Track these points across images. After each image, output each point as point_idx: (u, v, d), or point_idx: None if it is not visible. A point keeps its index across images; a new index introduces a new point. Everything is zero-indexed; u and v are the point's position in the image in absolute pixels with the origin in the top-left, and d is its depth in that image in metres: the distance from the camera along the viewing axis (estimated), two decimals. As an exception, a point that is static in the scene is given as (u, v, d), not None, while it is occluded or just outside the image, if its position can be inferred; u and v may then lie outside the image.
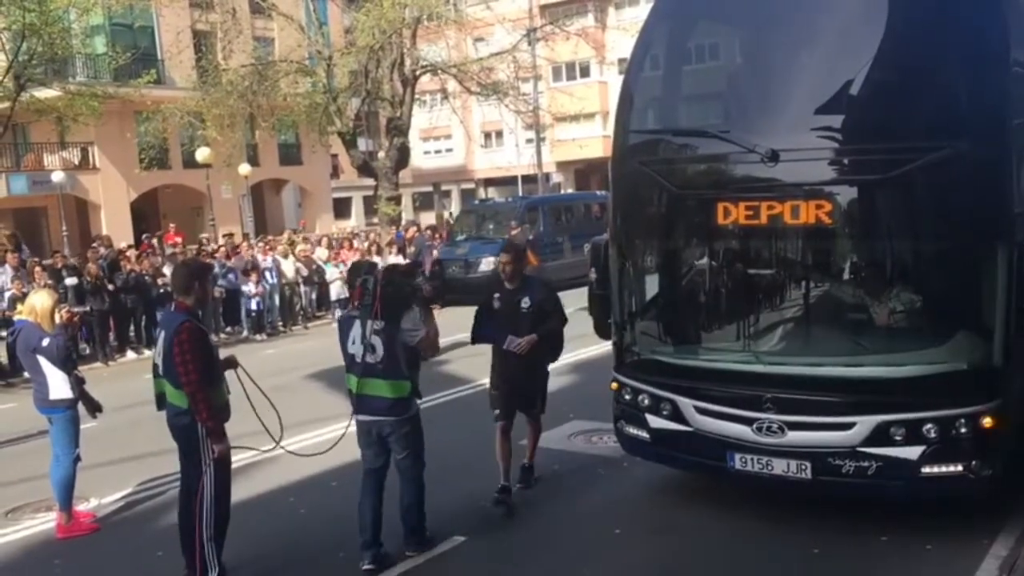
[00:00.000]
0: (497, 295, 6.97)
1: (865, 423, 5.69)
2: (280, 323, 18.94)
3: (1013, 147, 5.64)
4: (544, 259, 19.91)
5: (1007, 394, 5.65)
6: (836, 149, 5.98)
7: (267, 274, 18.61)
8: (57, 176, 26.08)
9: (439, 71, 26.46)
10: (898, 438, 5.63)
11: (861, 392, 5.83)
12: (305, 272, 19.58)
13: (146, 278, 16.37)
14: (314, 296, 20.03)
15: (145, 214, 30.93)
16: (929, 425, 5.58)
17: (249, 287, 18.02)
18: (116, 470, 8.55)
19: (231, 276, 17.97)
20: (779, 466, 5.95)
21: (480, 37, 32.79)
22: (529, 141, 38.72)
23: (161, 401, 5.88)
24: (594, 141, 42.12)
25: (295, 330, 18.97)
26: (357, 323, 5.92)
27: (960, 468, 5.59)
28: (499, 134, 45.29)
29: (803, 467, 5.87)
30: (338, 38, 27.87)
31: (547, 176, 41.85)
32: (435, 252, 20.61)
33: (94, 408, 7.28)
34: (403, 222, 26.18)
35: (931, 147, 5.52)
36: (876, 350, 6.06)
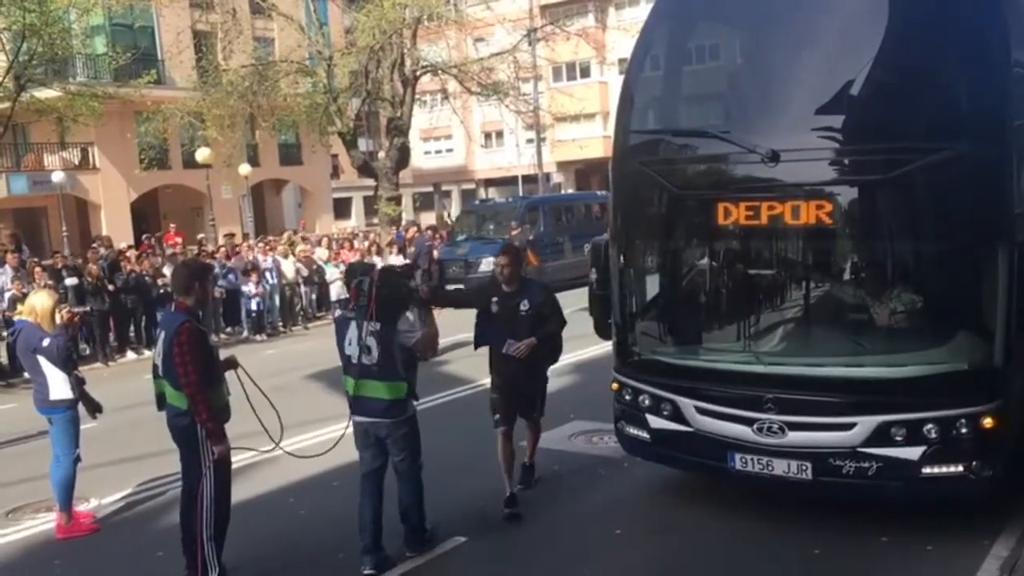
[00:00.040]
0: (495, 299, 6.91)
1: (866, 423, 5.69)
2: (280, 323, 18.94)
3: (1013, 148, 5.64)
4: (544, 259, 19.93)
5: (1007, 394, 5.65)
6: (836, 149, 5.97)
7: (267, 274, 18.62)
8: (57, 176, 26.07)
9: (439, 71, 26.48)
10: (899, 438, 5.63)
11: (862, 392, 5.83)
12: (305, 272, 19.59)
13: (146, 278, 16.36)
14: (314, 296, 20.03)
15: (145, 214, 30.93)
16: (930, 425, 5.58)
17: (249, 287, 18.03)
18: (116, 470, 8.55)
19: (231, 276, 17.97)
20: (779, 466, 5.94)
21: (480, 37, 32.79)
22: (529, 141, 38.73)
23: (161, 402, 5.88)
24: (594, 141, 42.11)
25: (295, 330, 18.98)
26: (353, 324, 5.90)
27: (961, 469, 5.59)
28: (499, 134, 45.29)
29: (803, 467, 5.87)
30: (338, 38, 27.89)
31: (547, 176, 41.86)
32: (435, 252, 20.61)
33: (94, 408, 7.28)
34: (403, 222, 26.19)
35: (931, 148, 5.53)
36: (876, 350, 6.06)
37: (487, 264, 19.06)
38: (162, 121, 24.85)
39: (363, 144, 29.49)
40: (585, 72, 44.84)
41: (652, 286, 6.89)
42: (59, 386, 6.94)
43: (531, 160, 37.77)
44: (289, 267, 19.31)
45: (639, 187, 6.68)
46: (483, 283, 7.84)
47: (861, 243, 6.15)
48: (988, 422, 5.53)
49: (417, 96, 27.05)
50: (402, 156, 26.46)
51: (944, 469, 5.61)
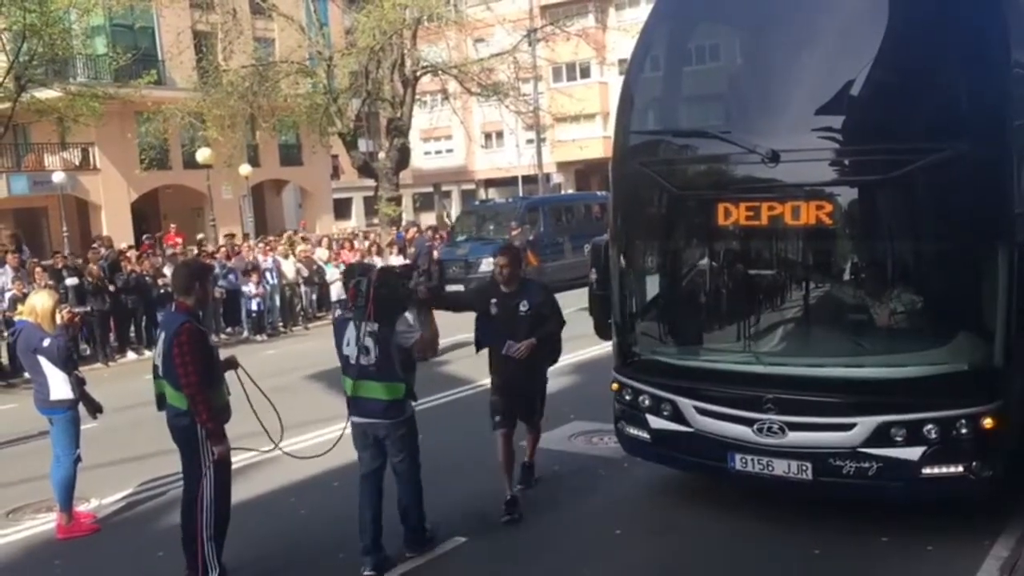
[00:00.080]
0: (494, 300, 6.86)
1: (866, 424, 5.69)
2: (280, 324, 18.95)
3: (1013, 148, 5.64)
4: (544, 260, 19.96)
5: (1008, 395, 5.65)
6: (837, 150, 5.98)
7: (267, 275, 18.62)
8: (58, 176, 26.09)
9: (439, 72, 26.51)
10: (899, 439, 5.63)
11: (862, 393, 5.83)
12: (305, 273, 19.59)
13: (147, 279, 16.37)
14: (314, 297, 20.03)
15: (146, 215, 30.94)
16: (930, 426, 5.58)
17: (249, 288, 18.03)
18: (117, 471, 8.55)
19: (231, 277, 17.97)
20: (780, 467, 5.94)
21: (480, 38, 32.81)
22: (529, 142, 38.75)
23: (161, 402, 5.88)
24: (594, 142, 42.12)
25: (295, 331, 18.98)
26: (352, 325, 5.88)
27: (961, 469, 5.59)
28: (499, 135, 45.30)
29: (804, 468, 5.87)
30: (339, 39, 27.93)
31: (547, 177, 41.86)
32: (435, 253, 20.62)
33: (95, 409, 7.29)
34: (403, 223, 26.21)
35: (931, 148, 5.53)
36: (877, 351, 6.06)
37: (487, 264, 19.06)
38: (162, 121, 24.87)
39: (363, 144, 29.52)
40: (585, 72, 44.84)
41: (652, 286, 6.89)
42: (59, 386, 6.94)
43: (531, 160, 37.78)
44: (289, 267, 19.32)
45: (639, 187, 6.68)
46: (482, 285, 7.78)
47: (861, 243, 6.15)
48: (988, 422, 5.53)
49: (417, 96, 27.08)
50: (402, 156, 26.48)
51: (944, 469, 5.61)
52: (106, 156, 29.23)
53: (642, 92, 6.97)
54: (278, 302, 18.97)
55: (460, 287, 18.96)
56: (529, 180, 40.57)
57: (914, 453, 5.61)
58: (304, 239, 22.41)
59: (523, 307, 6.76)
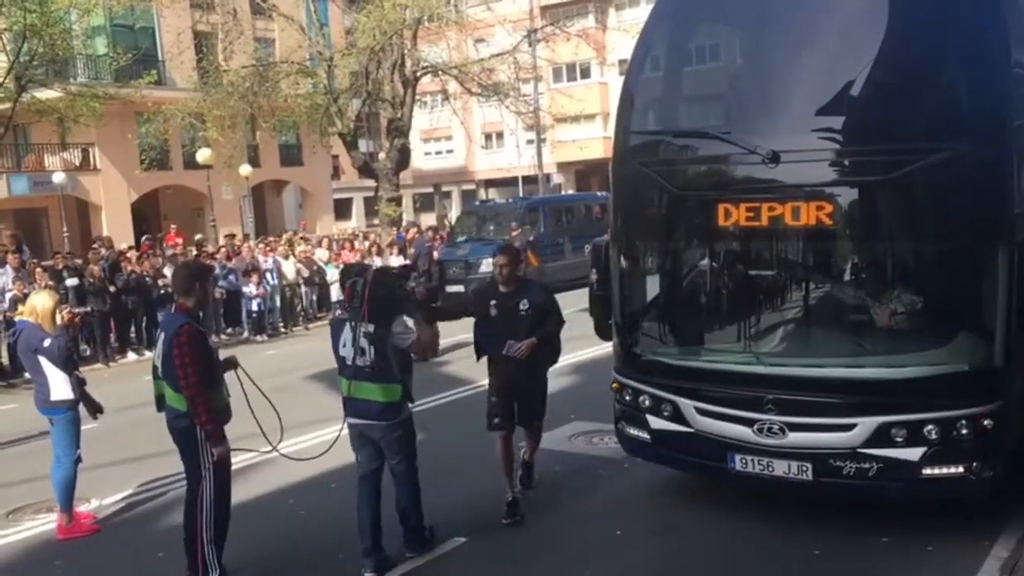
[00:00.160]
0: (493, 302, 6.79)
1: (866, 424, 5.69)
2: (281, 324, 18.95)
3: (1014, 148, 5.64)
4: (545, 260, 19.94)
5: (1008, 395, 5.65)
6: (837, 150, 5.98)
7: (268, 275, 18.62)
8: (58, 177, 26.09)
9: (440, 72, 26.50)
10: (899, 439, 5.63)
11: (862, 393, 5.82)
12: (306, 273, 19.59)
13: (147, 279, 16.37)
14: (315, 297, 20.04)
15: (146, 215, 30.95)
16: (930, 426, 5.58)
17: (250, 288, 18.03)
18: (117, 471, 8.55)
19: (232, 277, 17.98)
20: (780, 467, 5.94)
21: (481, 38, 32.82)
22: (530, 142, 38.74)
23: (161, 402, 5.87)
24: (595, 142, 42.12)
25: (296, 331, 18.98)
26: (348, 326, 5.86)
27: (961, 469, 5.59)
28: (500, 135, 45.31)
29: (804, 468, 5.87)
30: (339, 39, 27.93)
31: (548, 177, 41.85)
32: (435, 253, 20.62)
33: (95, 409, 7.29)
34: (404, 223, 26.20)
35: (932, 148, 5.52)
36: (877, 351, 6.06)
37: (487, 265, 19.05)
38: (163, 122, 24.87)
39: (363, 145, 29.52)
40: (585, 73, 44.85)
41: (652, 287, 6.88)
42: (60, 387, 6.94)
43: (531, 161, 37.77)
44: (290, 268, 19.32)
45: (639, 188, 6.68)
46: (479, 287, 7.71)
47: (861, 244, 6.15)
48: (988, 423, 5.53)
49: (417, 97, 27.08)
50: (402, 157, 26.48)
51: (944, 470, 5.61)
52: (106, 156, 29.24)
53: (642, 92, 6.97)
54: (278, 303, 18.97)
55: (460, 288, 19.01)
56: (529, 180, 40.57)
57: (914, 454, 5.61)
58: (304, 239, 22.42)
59: (523, 306, 6.72)
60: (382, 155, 27.09)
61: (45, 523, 7.31)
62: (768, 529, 6.22)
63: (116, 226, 28.04)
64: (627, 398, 6.74)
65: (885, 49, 5.85)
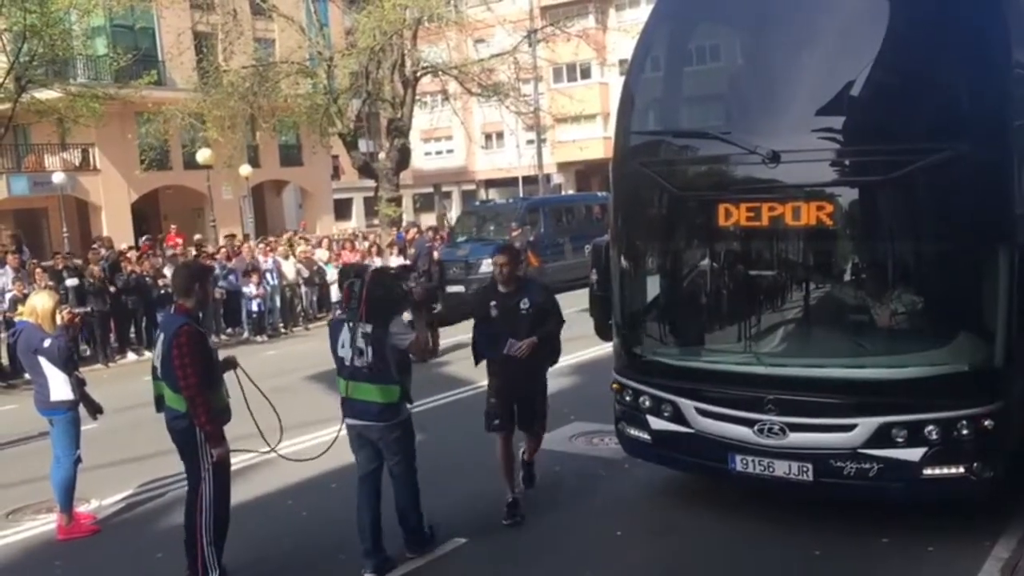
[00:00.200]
0: (493, 303, 6.73)
1: (866, 425, 5.69)
2: (281, 324, 18.94)
3: (1014, 148, 5.64)
4: (545, 260, 19.91)
5: (1008, 396, 5.64)
6: (837, 150, 5.97)
7: (268, 275, 18.62)
8: (58, 177, 26.10)
9: (440, 72, 26.47)
10: (899, 440, 5.63)
11: (862, 394, 5.82)
12: (306, 273, 19.59)
13: (147, 279, 16.37)
14: (315, 297, 20.03)
15: (146, 215, 30.96)
16: (931, 427, 5.57)
17: (250, 288, 18.03)
18: (117, 472, 8.55)
19: (232, 277, 17.97)
20: (780, 468, 5.94)
21: (481, 38, 32.79)
22: (530, 142, 38.72)
23: (160, 403, 5.86)
24: (595, 142, 42.11)
25: (296, 331, 18.98)
26: (346, 326, 5.85)
27: (962, 470, 5.59)
28: (500, 135, 45.27)
29: (804, 469, 5.87)
30: (339, 39, 27.92)
31: (548, 177, 41.84)
32: (436, 254, 20.60)
33: (95, 410, 7.29)
34: (404, 223, 26.18)
35: (932, 148, 5.52)
36: (877, 351, 6.05)
37: (487, 265, 19.04)
38: (163, 122, 24.85)
39: (363, 145, 29.50)
40: (585, 73, 44.85)
41: (653, 287, 6.88)
42: (60, 387, 6.94)
43: (531, 161, 37.76)
44: (290, 268, 19.32)
45: (640, 188, 6.67)
46: (479, 290, 7.66)
47: (862, 244, 6.15)
48: (989, 423, 5.52)
49: (417, 97, 27.05)
50: (402, 157, 26.47)
51: (945, 470, 5.61)
52: (106, 157, 29.24)
53: (642, 93, 6.97)
54: (278, 303, 18.96)
55: (460, 288, 19.02)
56: (529, 181, 40.55)
57: (915, 454, 5.61)
58: (304, 240, 22.41)
59: (524, 305, 6.66)
60: (382, 155, 27.07)
61: (45, 523, 7.30)
62: (769, 529, 6.21)
63: (116, 226, 28.04)
64: (627, 399, 6.74)
65: (885, 49, 5.85)
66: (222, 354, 6.22)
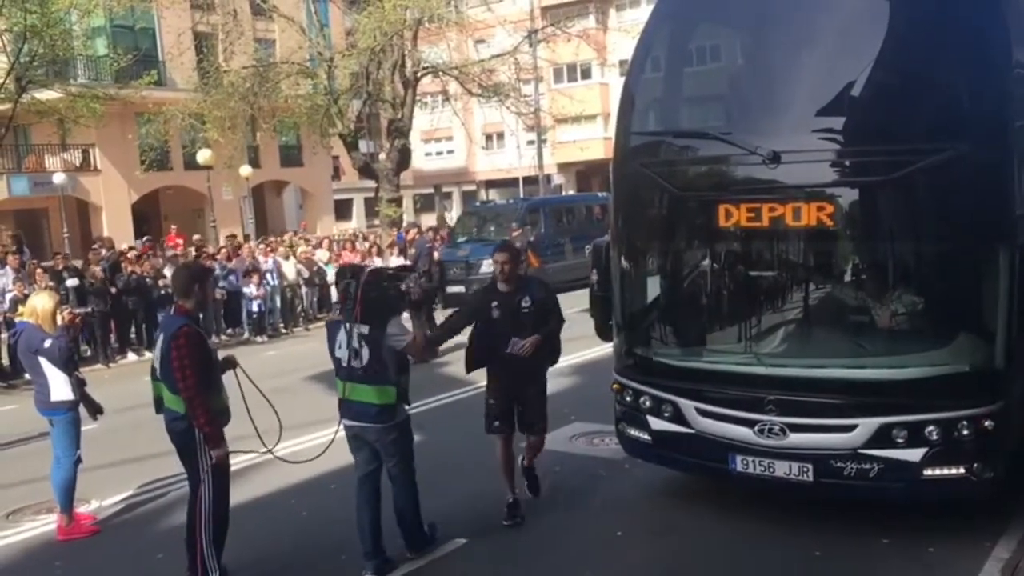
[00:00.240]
0: (495, 303, 6.65)
1: (867, 425, 5.69)
2: (281, 325, 18.94)
3: (1015, 149, 5.63)
4: (545, 261, 19.93)
5: (1009, 396, 5.64)
6: (837, 151, 5.97)
7: (268, 276, 18.62)
8: (58, 178, 26.11)
9: (440, 73, 26.49)
10: (900, 440, 5.62)
11: (863, 394, 5.82)
12: (306, 274, 19.59)
13: (147, 280, 16.37)
14: (315, 298, 20.02)
15: (146, 216, 30.97)
16: (931, 427, 5.57)
17: (250, 289, 18.02)
18: (117, 472, 8.55)
19: (232, 278, 17.97)
20: (781, 468, 5.94)
21: (481, 39, 32.83)
22: (530, 143, 38.72)
23: (159, 404, 5.86)
24: (595, 143, 42.12)
25: (296, 332, 18.97)
26: (343, 327, 5.83)
27: (962, 470, 5.59)
28: (500, 136, 45.30)
29: (805, 469, 5.87)
30: (339, 40, 27.94)
31: (548, 178, 41.86)
32: (436, 254, 20.61)
33: (95, 410, 7.29)
34: (404, 224, 26.19)
35: (932, 149, 5.52)
36: (878, 352, 6.05)
37: (487, 266, 19.03)
38: (163, 123, 24.87)
39: (364, 146, 29.50)
40: (586, 73, 44.85)
41: (653, 288, 6.87)
42: (60, 387, 6.94)
43: (532, 161, 37.77)
44: (290, 268, 19.32)
45: (640, 189, 6.67)
46: (478, 292, 7.60)
47: (862, 244, 6.15)
48: (989, 424, 5.52)
49: (418, 98, 27.07)
50: (403, 158, 26.48)
51: (945, 471, 5.60)
52: (107, 157, 29.26)
53: (643, 93, 6.96)
54: (279, 303, 18.96)
55: (461, 288, 19.02)
56: (530, 181, 40.57)
57: (915, 454, 5.60)
58: (305, 240, 22.40)
59: (525, 303, 6.60)
60: (382, 156, 27.08)
61: (45, 524, 7.30)
62: (769, 530, 6.21)
63: (116, 227, 28.06)
64: (628, 399, 6.74)
65: (885, 49, 5.85)
66: (222, 354, 6.21)
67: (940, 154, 5.49)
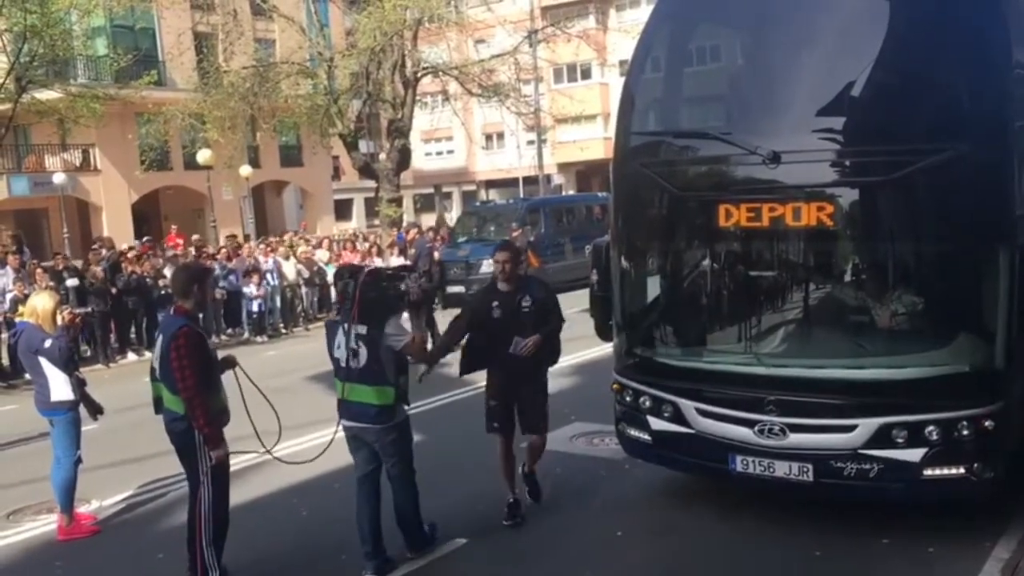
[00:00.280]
0: (495, 303, 6.63)
1: (867, 425, 5.69)
2: (281, 325, 18.94)
3: (1015, 149, 5.63)
4: (545, 261, 19.94)
5: (1009, 396, 5.64)
6: (837, 151, 5.97)
7: (268, 276, 18.62)
8: (58, 178, 26.11)
9: (440, 73, 26.49)
10: (900, 440, 5.62)
11: (863, 394, 5.82)
12: (306, 274, 19.59)
13: (147, 280, 16.37)
14: (315, 298, 20.02)
15: (146, 216, 30.97)
16: (931, 427, 5.57)
17: (250, 289, 18.03)
18: (117, 472, 8.55)
19: (232, 278, 17.97)
20: (781, 468, 5.94)
21: (481, 39, 32.83)
22: (530, 143, 38.72)
23: (159, 404, 5.85)
24: (595, 143, 42.11)
25: (296, 332, 18.97)
26: (341, 328, 5.82)
27: (962, 470, 5.59)
28: (500, 136, 45.30)
29: (805, 469, 5.87)
30: (339, 40, 27.95)
31: (548, 178, 41.86)
32: (436, 254, 20.62)
33: (95, 410, 7.29)
34: (404, 224, 26.20)
35: (932, 149, 5.52)
36: (878, 352, 6.05)
37: (488, 266, 19.03)
38: (163, 123, 24.87)
39: (364, 146, 29.51)
40: (586, 74, 44.84)
41: (653, 288, 6.87)
42: (60, 387, 6.94)
43: (532, 161, 37.77)
44: (290, 268, 19.32)
45: (640, 189, 6.67)
46: (478, 293, 7.58)
47: (862, 245, 6.15)
48: (990, 424, 5.52)
49: (418, 98, 27.08)
50: (403, 158, 26.48)
51: (945, 471, 5.60)
52: (107, 157, 29.26)
53: (643, 93, 6.96)
54: (279, 303, 18.96)
55: (461, 288, 19.02)
56: (530, 181, 40.56)
57: (915, 455, 5.60)
58: (305, 240, 22.40)
59: (526, 302, 6.58)
60: (382, 156, 27.09)
61: (45, 524, 7.30)
62: (769, 530, 6.21)
63: (116, 227, 28.05)
64: (628, 399, 6.74)
65: (885, 49, 5.85)
66: (221, 353, 6.21)
67: (940, 154, 5.49)
